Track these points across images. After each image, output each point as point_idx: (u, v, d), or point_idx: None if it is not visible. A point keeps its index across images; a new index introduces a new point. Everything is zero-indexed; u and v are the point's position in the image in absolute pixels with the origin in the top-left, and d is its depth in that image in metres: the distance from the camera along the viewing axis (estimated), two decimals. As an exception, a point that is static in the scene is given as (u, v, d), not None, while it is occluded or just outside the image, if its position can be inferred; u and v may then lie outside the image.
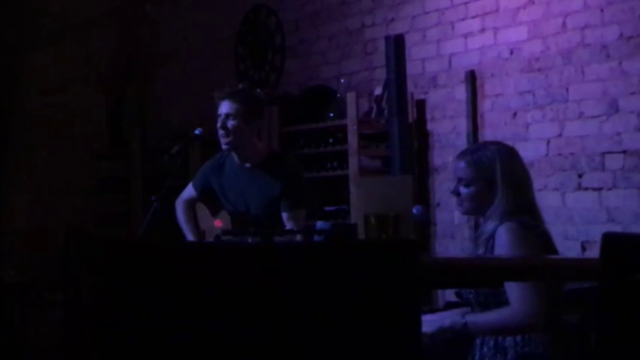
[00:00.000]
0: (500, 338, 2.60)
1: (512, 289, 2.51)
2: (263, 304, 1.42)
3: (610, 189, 4.50)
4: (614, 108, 4.49)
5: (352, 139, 5.46)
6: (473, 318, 2.60)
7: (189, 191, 3.93)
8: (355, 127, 5.44)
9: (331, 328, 1.43)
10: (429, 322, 2.57)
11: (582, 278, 2.39)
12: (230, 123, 3.62)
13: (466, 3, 5.25)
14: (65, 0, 7.52)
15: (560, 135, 4.75)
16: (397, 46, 5.08)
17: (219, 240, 2.70)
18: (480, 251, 2.67)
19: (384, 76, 5.27)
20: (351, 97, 5.52)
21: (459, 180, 2.77)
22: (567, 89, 4.71)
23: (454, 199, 2.82)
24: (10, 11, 7.29)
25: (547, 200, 4.65)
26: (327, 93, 5.97)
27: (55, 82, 7.44)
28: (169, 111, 7.61)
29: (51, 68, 7.47)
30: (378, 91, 5.54)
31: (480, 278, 2.05)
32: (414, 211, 2.81)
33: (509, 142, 3.63)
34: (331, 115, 5.77)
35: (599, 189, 4.55)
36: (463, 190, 2.75)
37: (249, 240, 2.60)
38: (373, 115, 5.58)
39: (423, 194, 5.42)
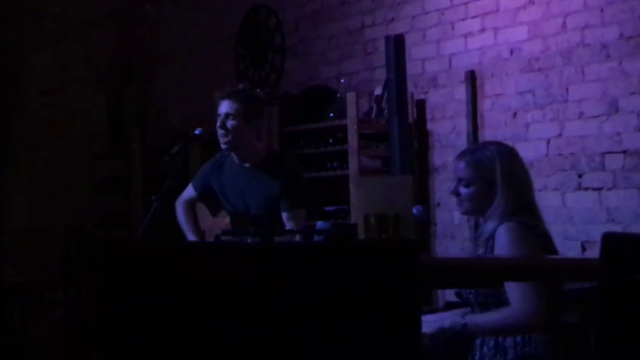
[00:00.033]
0: (500, 338, 2.60)
1: (512, 289, 2.51)
2: (263, 304, 1.42)
3: (610, 189, 4.50)
4: (614, 108, 4.49)
5: (352, 139, 5.46)
6: (473, 319, 2.60)
7: (189, 191, 3.94)
8: (355, 127, 5.44)
9: (331, 328, 1.43)
10: (429, 323, 2.57)
11: (582, 278, 2.39)
12: (229, 123, 3.62)
13: (466, 3, 5.25)
14: (65, 0, 7.53)
15: (560, 135, 4.75)
16: (397, 46, 5.08)
17: (219, 240, 2.70)
18: (480, 251, 2.67)
19: (384, 76, 5.27)
20: (351, 97, 5.52)
21: (459, 180, 2.77)
22: (567, 89, 4.71)
23: (454, 199, 2.83)
24: (10, 11, 7.29)
25: (547, 200, 4.65)
26: (327, 93, 5.97)
27: (55, 82, 7.44)
28: (169, 111, 7.61)
29: (51, 68, 7.47)
30: (378, 91, 5.54)
31: (480, 278, 2.05)
32: (414, 211, 2.81)
33: (509, 142, 3.64)
34: (331, 115, 5.77)
35: (599, 189, 4.55)
36: (463, 190, 2.75)
37: (249, 240, 2.60)
38: (373, 115, 5.58)
39: (423, 194, 5.42)
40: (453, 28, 5.34)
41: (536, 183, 3.27)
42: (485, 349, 2.62)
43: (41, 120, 7.36)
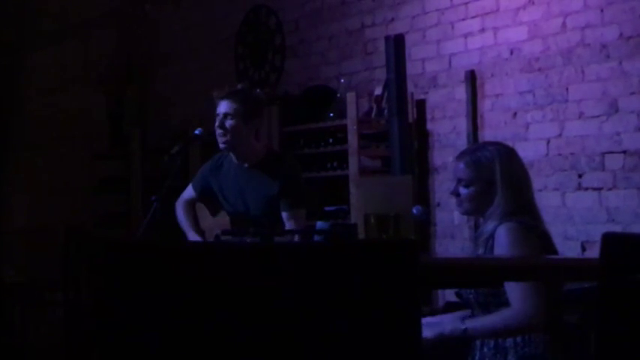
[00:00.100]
0: (500, 339, 2.60)
1: (513, 290, 2.51)
2: (263, 304, 1.42)
3: (610, 189, 4.51)
4: (614, 108, 4.49)
5: (352, 139, 5.46)
6: (472, 323, 2.60)
7: (189, 192, 3.94)
8: (355, 127, 5.44)
9: (331, 328, 1.43)
10: (430, 326, 2.57)
11: (582, 278, 2.39)
12: (228, 122, 3.62)
13: (466, 3, 5.25)
14: (65, 0, 7.53)
15: (560, 135, 4.75)
16: (397, 46, 5.08)
17: (218, 240, 2.70)
18: (480, 251, 2.67)
19: (384, 76, 5.27)
20: (351, 97, 5.52)
21: (459, 180, 2.77)
22: (567, 89, 4.71)
23: (454, 199, 2.83)
24: (10, 11, 7.29)
25: (547, 200, 4.65)
26: (327, 93, 5.97)
27: (55, 82, 7.45)
28: (169, 111, 7.61)
29: (51, 68, 7.47)
30: (378, 91, 5.54)
31: (479, 278, 2.05)
32: (414, 211, 2.80)
33: (509, 142, 3.64)
34: (331, 115, 5.77)
35: (599, 189, 4.55)
36: (463, 190, 2.75)
37: (249, 240, 2.60)
38: (373, 115, 5.58)
39: (423, 194, 5.42)
40: (452, 28, 5.34)
41: (536, 183, 3.27)
42: (485, 350, 2.62)
43: (41, 120, 7.37)
